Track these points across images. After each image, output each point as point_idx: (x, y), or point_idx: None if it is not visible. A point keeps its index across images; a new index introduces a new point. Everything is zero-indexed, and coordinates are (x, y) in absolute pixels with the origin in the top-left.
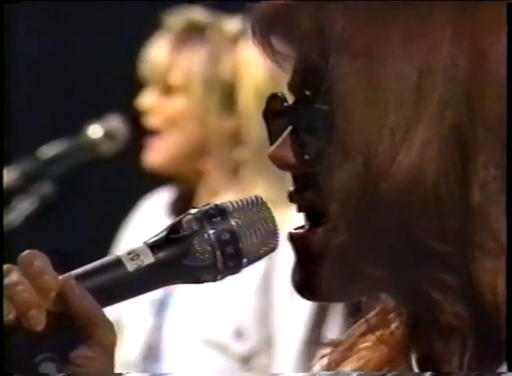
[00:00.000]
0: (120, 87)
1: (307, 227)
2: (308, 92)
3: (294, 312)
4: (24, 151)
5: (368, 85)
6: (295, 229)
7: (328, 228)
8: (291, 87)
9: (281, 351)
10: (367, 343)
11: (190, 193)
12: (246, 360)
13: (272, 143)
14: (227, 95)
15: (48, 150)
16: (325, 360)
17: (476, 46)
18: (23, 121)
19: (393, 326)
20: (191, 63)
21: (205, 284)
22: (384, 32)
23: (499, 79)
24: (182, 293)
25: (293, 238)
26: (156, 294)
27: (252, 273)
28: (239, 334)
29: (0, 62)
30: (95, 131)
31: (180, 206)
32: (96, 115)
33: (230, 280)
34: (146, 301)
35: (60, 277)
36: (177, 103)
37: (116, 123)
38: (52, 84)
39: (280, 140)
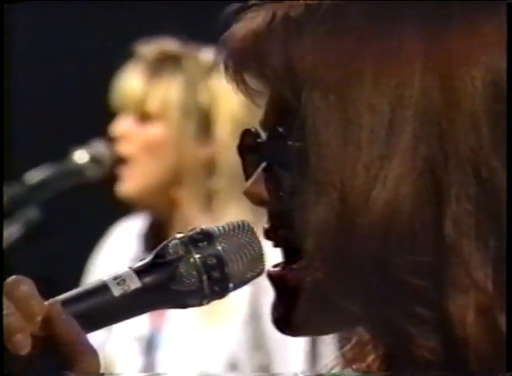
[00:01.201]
0: (104, 113)
1: (283, 264)
2: (281, 129)
3: (287, 338)
4: (10, 177)
5: (340, 121)
6: (273, 266)
7: (304, 264)
8: (264, 123)
9: None
10: (352, 370)
11: (163, 220)
12: None
13: (247, 177)
14: (203, 123)
15: (35, 176)
16: None
17: (446, 80)
18: (9, 146)
19: (369, 358)
20: (168, 91)
21: (193, 319)
22: (354, 67)
23: (470, 112)
24: (170, 329)
25: (271, 276)
26: (143, 331)
27: (239, 303)
28: (233, 366)
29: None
30: (80, 156)
31: (153, 233)
32: (82, 141)
33: (218, 312)
34: (133, 339)
35: (46, 303)
36: (153, 131)
37: (101, 148)
38: (37, 109)
39: (254, 177)
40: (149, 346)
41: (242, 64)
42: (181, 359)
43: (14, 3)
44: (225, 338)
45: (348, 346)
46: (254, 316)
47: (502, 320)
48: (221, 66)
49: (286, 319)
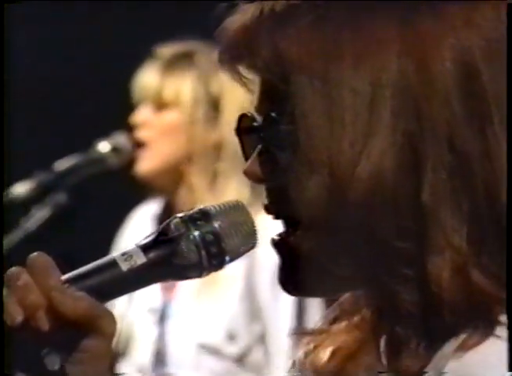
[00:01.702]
0: (124, 109)
1: (285, 233)
2: (273, 114)
3: (279, 308)
4: (41, 165)
5: (325, 104)
6: (277, 235)
7: (301, 234)
8: (259, 108)
9: (272, 346)
10: (341, 327)
11: (174, 201)
12: (239, 360)
13: (246, 158)
14: (212, 111)
15: (63, 164)
16: (307, 347)
17: (420, 61)
18: (37, 138)
19: (363, 311)
20: (181, 83)
21: (198, 293)
22: (336, 54)
23: (443, 89)
24: (178, 303)
25: (275, 243)
26: (156, 303)
27: (236, 279)
28: (231, 337)
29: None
30: (103, 146)
31: (165, 214)
32: (104, 133)
33: (219, 287)
34: (148, 311)
35: (63, 277)
36: (168, 118)
37: (121, 139)
38: (65, 107)
39: (252, 158)
40: (161, 317)
41: (235, 56)
42: (186, 328)
43: (14, 3)
44: (224, 311)
45: (345, 298)
46: (250, 292)
47: (476, 276)
48: (217, 58)
49: (291, 281)
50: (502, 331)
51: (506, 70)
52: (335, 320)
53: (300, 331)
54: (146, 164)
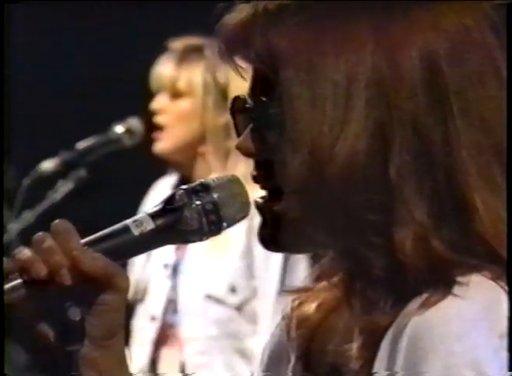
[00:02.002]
0: (136, 96)
1: (268, 197)
2: (264, 99)
3: (270, 268)
4: (65, 145)
5: (309, 92)
6: (260, 197)
7: (283, 204)
8: (251, 93)
9: (264, 299)
10: (322, 286)
11: (188, 175)
12: (239, 309)
13: (238, 135)
14: (220, 97)
15: (84, 143)
16: (293, 303)
17: (391, 59)
18: (63, 122)
19: (341, 273)
20: (193, 73)
21: (206, 252)
22: (319, 50)
23: (410, 83)
24: (189, 260)
25: (257, 205)
26: (169, 260)
27: (237, 241)
28: (232, 290)
29: (1, 62)
30: (118, 129)
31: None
32: (119, 117)
33: (223, 248)
34: (162, 266)
35: (82, 241)
36: (182, 104)
37: (134, 123)
38: (87, 97)
39: (244, 135)
40: (174, 272)
41: (232, 48)
42: (196, 281)
43: (14, 3)
44: (227, 267)
45: (325, 260)
46: (248, 252)
47: (436, 245)
48: (217, 50)
49: (268, 238)
50: (460, 290)
51: (506, 70)
52: (317, 280)
53: (288, 289)
54: (164, 144)
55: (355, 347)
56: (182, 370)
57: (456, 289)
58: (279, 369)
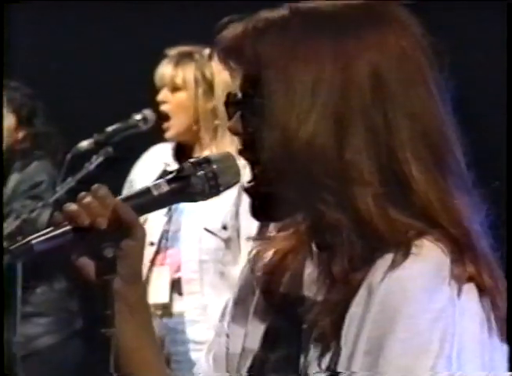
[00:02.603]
0: (146, 91)
1: (252, 180)
2: (250, 91)
3: (248, 217)
4: (97, 129)
5: (284, 89)
6: (247, 183)
7: (262, 175)
8: (241, 87)
9: (244, 238)
10: (282, 235)
11: (189, 147)
12: (226, 242)
13: (229, 118)
14: (208, 89)
15: (111, 128)
16: (258, 248)
17: (345, 68)
18: (96, 112)
19: (298, 226)
20: (187, 72)
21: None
22: (293, 58)
23: (359, 87)
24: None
25: (245, 189)
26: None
27: (229, 195)
28: (224, 227)
29: (0, 59)
30: (136, 117)
31: (183, 158)
32: (138, 109)
33: (220, 197)
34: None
35: (115, 200)
36: (180, 96)
37: (148, 112)
38: (112, 92)
39: (234, 119)
40: (169, 209)
41: (227, 55)
42: (197, 219)
43: (14, 3)
44: (221, 210)
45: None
46: (237, 202)
47: (392, 210)
48: (216, 55)
49: (257, 214)
50: (417, 251)
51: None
52: (279, 231)
53: (254, 237)
54: (171, 132)
55: (321, 292)
56: (176, 284)
57: (414, 250)
58: (247, 299)
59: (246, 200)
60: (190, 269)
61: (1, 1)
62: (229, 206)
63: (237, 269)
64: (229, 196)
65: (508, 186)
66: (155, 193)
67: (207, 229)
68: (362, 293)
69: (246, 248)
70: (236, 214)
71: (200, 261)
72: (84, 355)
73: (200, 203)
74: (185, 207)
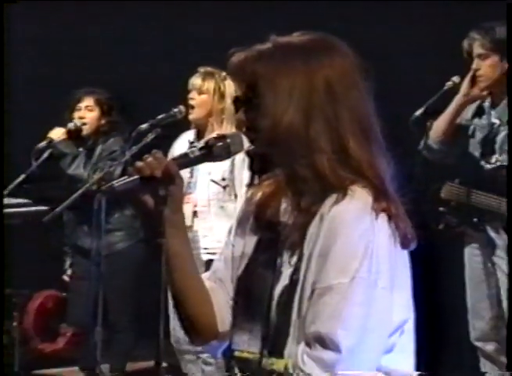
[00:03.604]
0: (180, 93)
1: (250, 145)
2: (250, 95)
3: (241, 172)
4: (151, 117)
5: (273, 95)
6: (247, 148)
7: (258, 146)
8: (243, 93)
9: (238, 186)
10: (267, 183)
11: (205, 130)
12: (225, 188)
13: (236, 112)
14: (221, 94)
15: (160, 117)
16: (250, 192)
17: (310, 81)
18: (149, 109)
19: (279, 177)
20: (208, 84)
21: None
22: (280, 75)
23: (318, 95)
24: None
25: (247, 152)
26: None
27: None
28: (223, 179)
29: (0, 59)
30: (174, 111)
31: (198, 136)
32: (175, 105)
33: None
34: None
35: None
36: (203, 97)
37: (181, 107)
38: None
39: (239, 113)
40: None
41: (235, 73)
42: (207, 173)
43: (14, 3)
44: (222, 167)
45: (271, 173)
46: (231, 162)
47: (338, 168)
48: (228, 74)
49: (253, 167)
50: (351, 193)
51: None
52: (266, 179)
53: (249, 184)
54: (193, 115)
55: (292, 217)
56: (195, 213)
57: (350, 193)
58: (245, 222)
59: (238, 163)
60: (202, 205)
61: (1, 1)
62: (227, 166)
63: (232, 204)
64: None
65: (508, 188)
66: (191, 156)
67: (212, 180)
68: (316, 219)
69: (239, 191)
70: (231, 170)
71: (208, 199)
72: (145, 255)
73: (211, 164)
74: (199, 166)
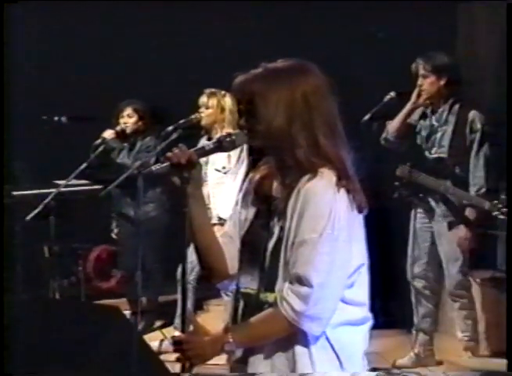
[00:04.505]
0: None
1: (250, 141)
2: (249, 107)
3: (238, 160)
4: (175, 122)
5: (265, 105)
6: (248, 143)
7: (257, 142)
8: (244, 105)
9: (236, 172)
10: (262, 164)
11: (213, 131)
12: (225, 173)
13: (239, 118)
14: (221, 110)
15: (181, 121)
16: (252, 173)
17: (290, 94)
18: (173, 112)
19: (271, 161)
20: (213, 101)
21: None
22: (268, 90)
23: (297, 102)
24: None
25: (248, 146)
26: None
27: (226, 155)
28: (223, 167)
29: (0, 59)
30: (192, 116)
31: (209, 137)
32: (190, 114)
33: (222, 154)
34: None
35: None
36: (209, 111)
37: (196, 115)
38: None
39: (242, 119)
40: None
41: (237, 91)
42: (213, 164)
43: (14, 3)
44: (223, 158)
45: (265, 159)
46: (229, 155)
47: (311, 156)
48: (231, 92)
49: (251, 154)
50: (320, 174)
51: (506, 70)
52: (261, 166)
53: (246, 170)
54: (203, 122)
55: (279, 194)
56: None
57: (319, 174)
58: (247, 197)
59: (233, 155)
60: (211, 186)
61: (1, 1)
62: (224, 157)
63: (230, 185)
64: (225, 153)
65: (508, 185)
66: (206, 148)
67: (216, 169)
68: (295, 192)
69: (235, 175)
70: (229, 160)
71: (212, 182)
72: (169, 221)
73: (213, 159)
74: (208, 158)
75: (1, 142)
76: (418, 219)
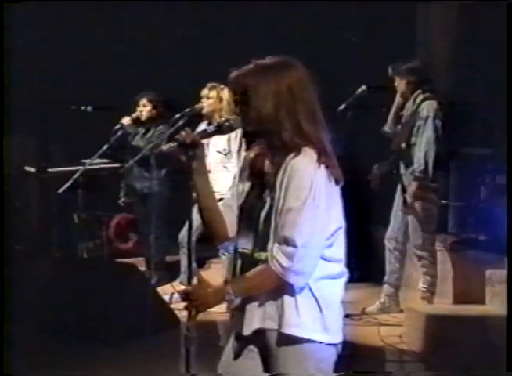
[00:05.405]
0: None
1: (244, 126)
2: (243, 97)
3: (235, 144)
4: (183, 110)
5: (256, 95)
6: (243, 127)
7: (249, 127)
8: (239, 95)
9: (234, 154)
10: (257, 147)
11: (213, 117)
12: (225, 155)
13: (235, 106)
14: (220, 100)
15: (187, 109)
16: (247, 154)
17: (277, 86)
18: (181, 103)
19: (263, 143)
20: (213, 93)
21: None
22: (259, 83)
23: (283, 93)
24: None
25: (243, 127)
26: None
27: (227, 135)
28: (224, 149)
29: (0, 59)
30: (196, 106)
31: (210, 122)
32: (194, 103)
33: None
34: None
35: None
36: (210, 101)
37: (199, 105)
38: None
39: (238, 108)
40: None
41: (233, 84)
42: (214, 146)
43: (14, 3)
44: (224, 140)
45: (258, 141)
46: (229, 137)
47: (295, 137)
48: (228, 85)
49: (246, 137)
50: (302, 152)
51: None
52: (255, 146)
53: (244, 149)
54: (205, 111)
55: (270, 168)
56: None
57: (302, 152)
58: (244, 173)
59: (232, 138)
60: (212, 166)
61: (1, 1)
62: (225, 140)
63: (231, 165)
64: (226, 136)
65: (508, 185)
66: (208, 131)
67: (217, 151)
68: (282, 168)
69: (234, 155)
70: (228, 144)
71: (214, 162)
72: (170, 195)
73: (215, 141)
74: (209, 143)
75: (0, 140)
76: (397, 192)
